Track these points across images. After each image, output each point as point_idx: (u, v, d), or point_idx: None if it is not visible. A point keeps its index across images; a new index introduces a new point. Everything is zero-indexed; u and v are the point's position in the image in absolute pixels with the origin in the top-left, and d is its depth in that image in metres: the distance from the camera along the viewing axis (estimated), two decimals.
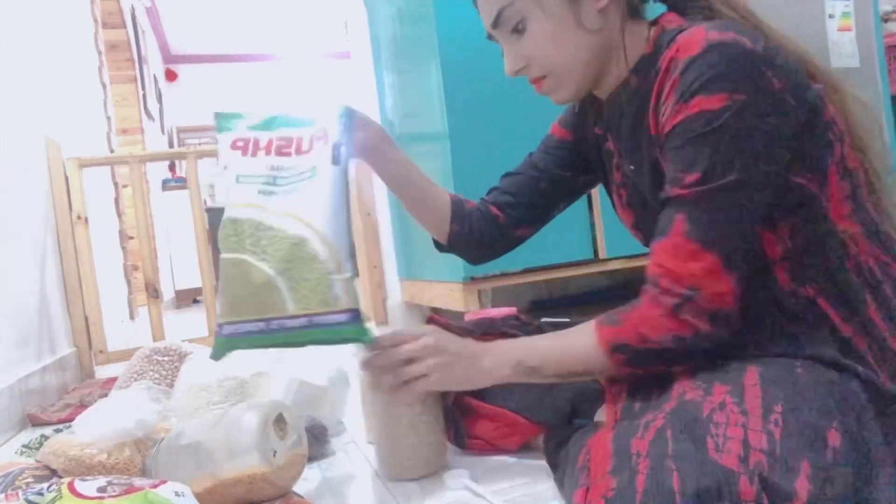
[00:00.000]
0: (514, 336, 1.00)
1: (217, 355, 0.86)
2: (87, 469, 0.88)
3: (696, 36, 0.71)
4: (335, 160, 0.86)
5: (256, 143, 0.90)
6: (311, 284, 0.82)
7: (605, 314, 0.76)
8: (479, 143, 1.91)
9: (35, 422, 1.58)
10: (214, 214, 7.42)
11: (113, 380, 1.85)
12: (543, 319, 1.07)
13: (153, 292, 2.47)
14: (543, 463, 0.88)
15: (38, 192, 2.13)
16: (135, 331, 3.30)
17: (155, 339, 2.37)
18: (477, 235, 1.03)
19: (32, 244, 1.97)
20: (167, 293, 5.32)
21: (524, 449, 1.01)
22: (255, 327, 0.82)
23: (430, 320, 1.04)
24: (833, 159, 0.73)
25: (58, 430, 1.32)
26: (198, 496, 0.70)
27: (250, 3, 6.36)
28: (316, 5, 6.26)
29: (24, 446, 1.30)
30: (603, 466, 0.62)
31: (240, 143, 0.90)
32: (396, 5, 2.26)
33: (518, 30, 0.80)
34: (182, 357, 1.47)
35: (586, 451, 0.67)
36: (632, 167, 0.84)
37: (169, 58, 7.61)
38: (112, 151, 3.45)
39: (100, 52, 3.54)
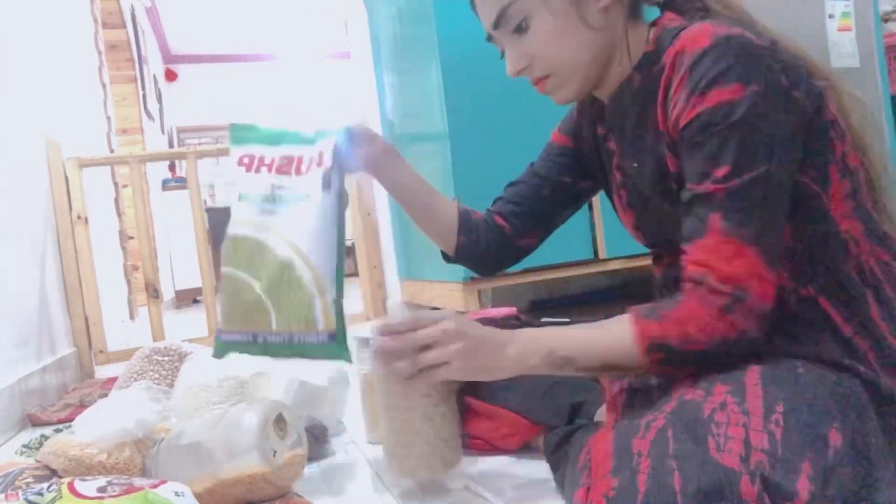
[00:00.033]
0: None
1: (218, 355, 0.94)
2: (87, 469, 0.88)
3: (703, 31, 0.71)
4: (325, 186, 0.89)
5: (262, 159, 0.93)
6: (294, 305, 0.88)
7: (641, 308, 0.72)
8: (479, 143, 1.91)
9: (35, 422, 1.58)
10: (214, 214, 7.41)
11: (113, 380, 1.85)
12: (543, 319, 1.07)
13: (153, 292, 2.47)
14: (543, 463, 0.88)
15: (38, 192, 2.13)
16: (135, 331, 3.30)
17: (155, 339, 2.37)
18: (483, 246, 1.02)
19: (32, 244, 1.97)
20: (167, 293, 5.32)
21: (524, 449, 1.01)
22: (243, 338, 0.91)
23: None
24: (834, 158, 0.73)
25: (58, 430, 1.32)
26: (198, 496, 0.70)
27: (250, 3, 6.37)
28: (316, 5, 6.27)
29: (24, 446, 1.30)
30: (604, 466, 0.62)
31: (245, 160, 0.94)
32: (396, 5, 2.26)
33: (521, 29, 0.79)
34: (182, 357, 1.47)
35: (587, 451, 0.67)
36: (634, 164, 0.84)
37: (169, 58, 7.61)
38: (112, 151, 3.45)
39: (100, 52, 3.54)
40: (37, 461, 0.94)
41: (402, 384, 0.82)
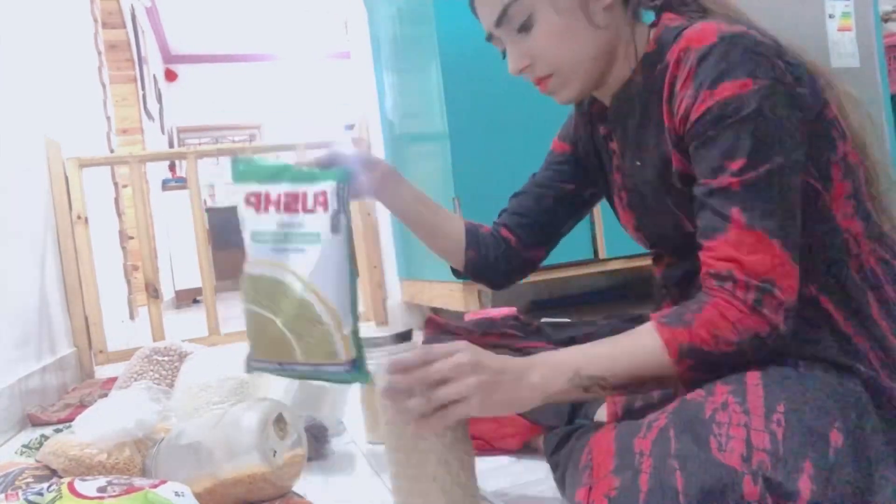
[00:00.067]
0: (513, 336, 1.01)
1: (249, 371, 0.97)
2: (87, 469, 0.88)
3: (708, 28, 0.70)
4: (334, 229, 0.90)
5: (267, 196, 0.95)
6: (316, 341, 0.91)
7: (665, 315, 0.69)
8: (479, 143, 1.91)
9: (35, 422, 1.58)
10: (214, 214, 7.40)
11: (113, 380, 1.85)
12: (543, 319, 1.07)
13: (153, 292, 2.47)
14: (543, 463, 0.88)
15: (38, 192, 2.13)
16: (135, 331, 3.30)
17: (155, 339, 2.37)
18: (492, 260, 1.01)
19: (32, 244, 1.97)
20: (167, 293, 5.32)
21: (524, 449, 1.01)
22: (272, 366, 0.94)
23: (429, 320, 1.04)
24: (836, 157, 0.73)
25: (58, 430, 1.32)
26: (198, 496, 0.70)
27: (250, 3, 6.37)
28: (316, 5, 6.27)
29: (24, 446, 1.30)
30: (605, 466, 0.62)
31: (252, 199, 0.96)
32: (396, 5, 2.26)
33: (524, 27, 0.78)
34: (182, 357, 1.48)
35: (588, 451, 0.67)
36: (637, 163, 0.83)
37: (169, 58, 7.61)
38: (112, 151, 3.45)
39: (100, 52, 3.54)
40: (37, 461, 0.94)
41: (414, 424, 0.72)
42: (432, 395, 0.69)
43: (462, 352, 0.69)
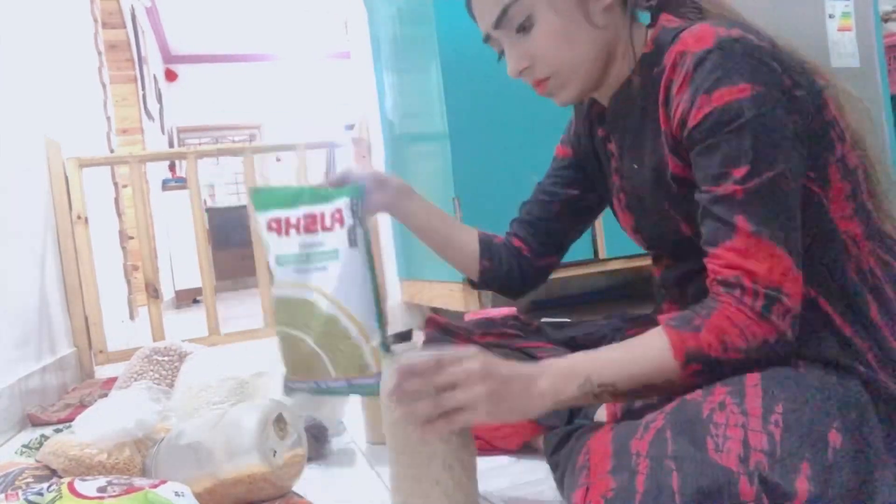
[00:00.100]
0: (513, 336, 1.01)
1: (288, 395, 1.03)
2: (87, 469, 0.88)
3: (705, 31, 0.70)
4: (352, 243, 0.93)
5: (287, 221, 0.99)
6: (346, 355, 0.95)
7: (673, 319, 0.69)
8: (479, 143, 1.91)
9: (35, 422, 1.58)
10: (214, 214, 7.36)
11: (113, 380, 1.86)
12: (543, 319, 1.07)
13: (153, 292, 2.47)
14: (543, 463, 0.88)
15: (38, 192, 2.13)
16: (135, 331, 3.30)
17: (155, 339, 2.37)
18: (506, 271, 1.02)
19: (32, 244, 1.97)
20: (167, 293, 5.32)
21: (524, 449, 1.01)
22: (307, 386, 0.99)
23: (429, 320, 1.04)
24: (834, 159, 0.72)
25: (58, 430, 1.32)
26: (198, 496, 0.70)
27: (250, 3, 6.37)
28: (316, 5, 6.27)
29: (24, 446, 1.30)
30: (603, 466, 0.62)
31: (273, 224, 0.99)
32: (396, 5, 2.26)
33: (524, 28, 0.78)
34: (182, 357, 1.48)
35: (586, 451, 0.67)
36: (635, 166, 0.83)
37: (169, 58, 7.61)
38: (112, 151, 3.45)
39: (100, 52, 3.54)
40: (37, 461, 0.94)
41: (420, 428, 0.72)
42: (440, 401, 0.69)
43: (472, 358, 0.69)
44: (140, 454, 0.91)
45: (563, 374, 0.70)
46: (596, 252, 2.01)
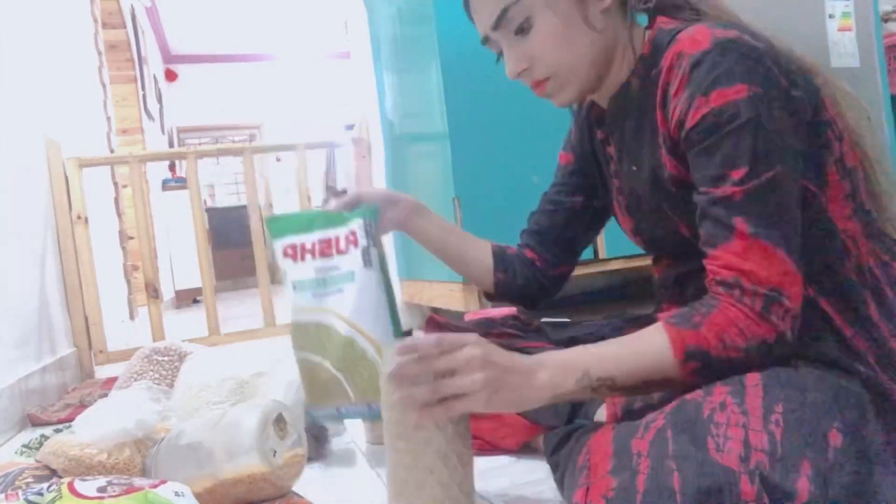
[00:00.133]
0: (513, 336, 1.01)
1: (311, 422, 1.06)
2: (87, 469, 0.88)
3: (701, 33, 0.70)
4: (366, 264, 0.95)
5: (303, 247, 1.00)
6: (365, 377, 0.95)
7: (673, 316, 0.69)
8: (479, 143, 1.91)
9: (35, 422, 1.58)
10: (214, 214, 7.35)
11: (113, 380, 1.85)
12: (543, 319, 1.07)
13: (153, 292, 2.47)
14: (543, 463, 0.88)
15: (38, 192, 2.13)
16: (135, 331, 3.30)
17: (155, 339, 2.37)
18: (521, 282, 1.02)
19: (32, 244, 1.97)
20: (167, 293, 5.32)
21: (524, 449, 1.01)
22: (329, 412, 1.00)
23: (430, 320, 1.04)
24: (832, 158, 0.73)
25: (58, 430, 1.31)
26: (198, 496, 0.70)
27: (250, 3, 6.36)
28: (316, 5, 6.27)
29: (24, 446, 1.30)
30: (603, 466, 0.62)
31: (289, 251, 1.01)
32: (396, 5, 2.26)
33: (523, 29, 0.78)
34: (182, 357, 1.47)
35: (586, 451, 0.67)
36: (633, 168, 0.83)
37: (169, 58, 7.61)
38: (112, 151, 3.45)
39: (100, 52, 3.54)
40: (37, 461, 0.94)
41: (415, 413, 0.70)
42: (439, 386, 0.67)
43: (473, 345, 0.68)
44: (140, 454, 0.91)
45: (562, 367, 0.69)
46: (596, 252, 2.01)
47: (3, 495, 0.74)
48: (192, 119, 7.83)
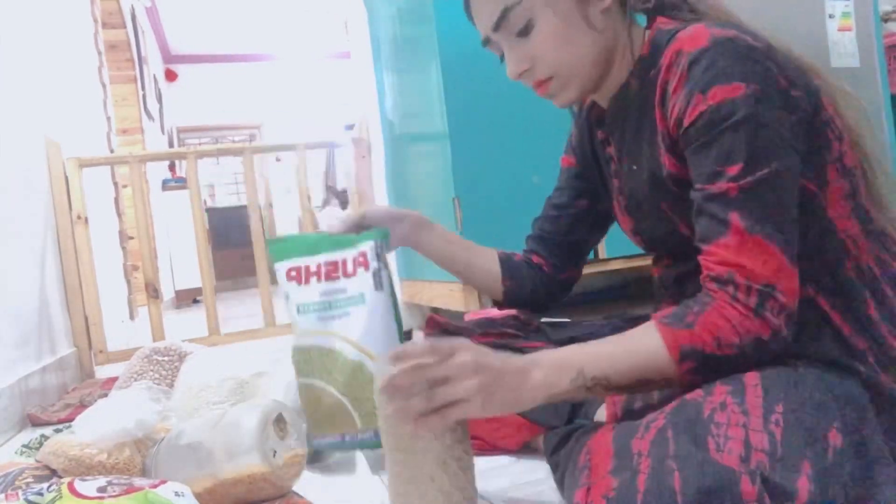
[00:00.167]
0: (513, 336, 1.01)
1: (317, 453, 1.03)
2: (87, 469, 0.88)
3: (700, 32, 0.71)
4: (377, 286, 0.94)
5: (307, 269, 0.98)
6: (373, 403, 0.91)
7: (666, 316, 0.69)
8: (479, 143, 1.91)
9: (35, 422, 1.58)
10: (214, 214, 7.35)
11: (113, 380, 1.86)
12: (543, 319, 1.07)
13: (153, 292, 2.47)
14: (543, 463, 0.88)
15: (38, 192, 2.13)
16: (135, 331, 3.30)
17: (155, 339, 2.37)
18: (529, 289, 1.02)
19: (32, 244, 1.97)
20: (167, 293, 5.32)
21: (524, 449, 1.01)
22: (333, 441, 0.97)
23: (430, 319, 1.04)
24: (832, 158, 0.73)
25: (58, 430, 1.31)
26: (198, 496, 0.70)
27: (250, 3, 6.37)
28: (316, 5, 6.27)
29: (24, 446, 1.30)
30: (604, 466, 0.62)
31: (293, 273, 0.99)
32: (396, 5, 2.26)
33: (524, 31, 0.78)
34: (182, 357, 1.48)
35: (587, 451, 0.67)
36: (634, 167, 0.83)
37: (169, 58, 7.61)
38: (112, 151, 3.45)
39: (100, 52, 3.54)
40: (37, 461, 0.94)
41: (412, 423, 0.70)
42: (433, 395, 0.67)
43: (464, 351, 0.68)
44: (140, 454, 0.91)
45: (556, 366, 0.69)
46: (596, 252, 2.01)
47: (3, 495, 0.74)
48: (192, 119, 7.83)
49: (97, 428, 0.90)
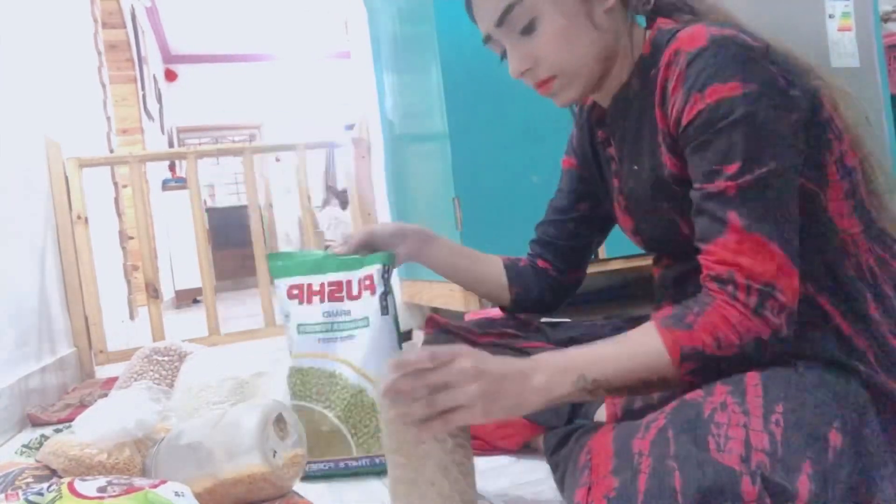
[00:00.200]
0: (513, 336, 1.01)
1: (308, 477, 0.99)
2: (87, 469, 0.87)
3: (699, 31, 0.71)
4: (383, 311, 0.94)
5: (310, 287, 0.97)
6: (371, 430, 0.93)
7: (666, 317, 0.69)
8: (479, 143, 1.91)
9: (35, 422, 1.58)
10: (214, 214, 7.34)
11: (113, 380, 1.85)
12: (543, 319, 1.07)
13: (153, 292, 2.47)
14: (543, 463, 0.88)
15: (38, 192, 2.13)
16: (135, 331, 3.30)
17: (155, 339, 2.37)
18: (536, 294, 1.03)
19: (32, 244, 1.97)
20: (167, 293, 5.32)
21: (524, 449, 1.01)
22: (327, 467, 0.96)
23: (430, 319, 1.04)
24: (832, 157, 0.73)
25: (58, 430, 1.31)
26: (198, 496, 0.70)
27: (250, 3, 6.36)
28: (316, 5, 6.27)
29: (24, 446, 1.30)
30: (605, 466, 0.62)
31: (295, 291, 0.98)
32: (396, 5, 2.26)
33: (528, 29, 0.77)
34: (182, 357, 1.48)
35: (587, 451, 0.67)
36: (634, 167, 0.83)
37: (169, 58, 7.61)
38: (112, 151, 3.45)
39: (100, 53, 3.54)
40: (37, 461, 0.93)
41: (414, 428, 0.70)
42: (434, 401, 0.68)
43: (464, 357, 0.68)
44: (140, 454, 0.91)
45: (557, 371, 0.69)
46: (596, 252, 2.00)
47: (3, 495, 0.74)
48: (192, 119, 7.83)
49: (97, 428, 0.90)
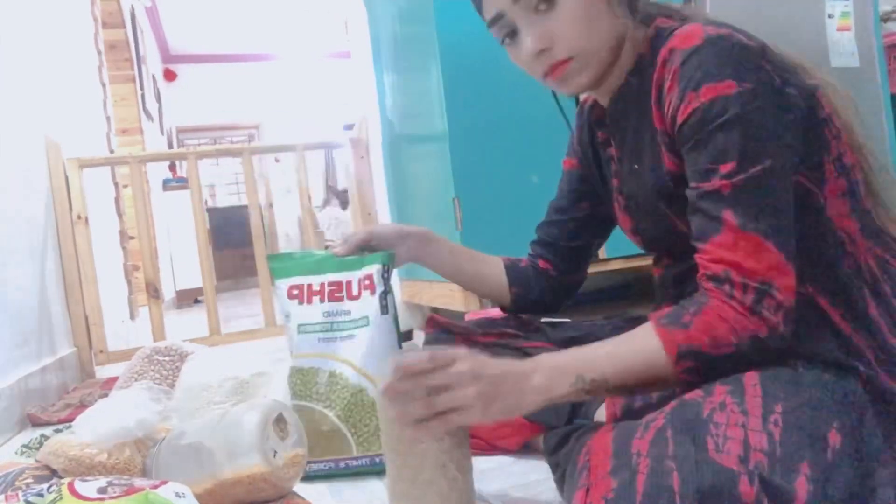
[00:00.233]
0: (513, 336, 1.01)
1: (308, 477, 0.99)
2: (87, 469, 0.88)
3: (694, 30, 0.71)
4: (383, 310, 0.94)
5: (310, 288, 0.98)
6: (371, 429, 0.93)
7: (663, 316, 0.69)
8: (479, 143, 1.91)
9: (35, 422, 1.58)
10: (215, 214, 7.34)
11: (113, 380, 1.85)
12: (543, 319, 1.07)
13: (153, 292, 2.47)
14: (543, 463, 0.88)
15: (38, 192, 2.13)
16: (135, 331, 3.30)
17: (155, 339, 2.37)
18: (536, 294, 1.03)
19: (32, 244, 1.97)
20: (168, 293, 5.32)
21: (524, 449, 1.01)
22: (327, 466, 0.97)
23: (430, 319, 1.04)
24: (830, 157, 0.73)
25: (58, 430, 1.32)
26: (198, 496, 0.70)
27: (250, 3, 6.36)
28: (316, 5, 6.26)
29: (24, 446, 1.30)
30: (603, 467, 0.62)
31: (295, 292, 0.98)
32: (396, 5, 2.26)
33: (544, 8, 0.75)
34: (182, 357, 1.48)
35: (586, 452, 0.67)
36: (635, 166, 0.83)
37: (168, 58, 7.61)
38: (112, 152, 3.45)
39: (99, 52, 3.54)
40: (37, 461, 0.94)
41: (412, 428, 0.71)
42: (432, 402, 0.68)
43: (462, 360, 0.69)
44: (140, 454, 0.91)
45: (555, 371, 0.69)
46: (596, 252, 2.01)
47: (3, 495, 0.74)
48: (192, 119, 7.83)
49: (97, 428, 0.90)
